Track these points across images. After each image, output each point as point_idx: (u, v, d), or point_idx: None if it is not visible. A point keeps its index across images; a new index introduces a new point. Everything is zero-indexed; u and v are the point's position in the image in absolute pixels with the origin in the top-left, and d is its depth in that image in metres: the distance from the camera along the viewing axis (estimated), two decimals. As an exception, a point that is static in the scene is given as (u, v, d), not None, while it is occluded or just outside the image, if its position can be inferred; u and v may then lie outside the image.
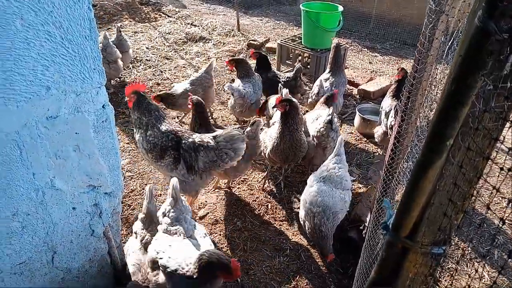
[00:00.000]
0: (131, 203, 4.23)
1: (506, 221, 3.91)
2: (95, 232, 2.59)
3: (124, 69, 6.98)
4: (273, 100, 4.64)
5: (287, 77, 5.61)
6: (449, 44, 1.65)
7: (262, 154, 4.24)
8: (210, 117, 5.30)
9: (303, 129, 4.27)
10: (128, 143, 5.21)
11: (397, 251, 0.97)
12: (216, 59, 7.85)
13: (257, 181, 4.55)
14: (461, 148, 0.84)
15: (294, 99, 4.07)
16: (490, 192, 3.96)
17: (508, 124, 0.83)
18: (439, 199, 0.90)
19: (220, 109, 6.20)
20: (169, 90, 5.66)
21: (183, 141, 3.49)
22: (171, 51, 8.18)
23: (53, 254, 2.44)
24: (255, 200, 4.24)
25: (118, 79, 6.80)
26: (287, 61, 7.04)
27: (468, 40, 0.80)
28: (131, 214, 4.09)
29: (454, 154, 0.86)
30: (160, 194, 4.35)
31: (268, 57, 6.06)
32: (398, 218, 0.94)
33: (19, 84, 1.84)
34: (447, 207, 0.89)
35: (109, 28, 8.88)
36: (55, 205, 2.29)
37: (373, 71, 7.60)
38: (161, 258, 2.60)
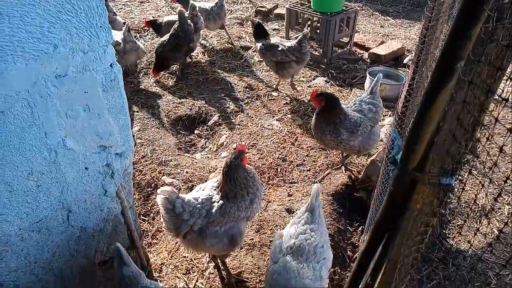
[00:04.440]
0: (142, 168, 4.30)
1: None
2: (108, 192, 2.65)
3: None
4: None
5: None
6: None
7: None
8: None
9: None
10: (137, 111, 5.24)
11: (405, 185, 0.98)
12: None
13: (266, 145, 4.56)
14: (473, 69, 0.82)
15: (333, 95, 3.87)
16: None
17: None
18: (448, 125, 0.89)
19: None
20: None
21: None
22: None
23: (68, 213, 2.52)
24: (265, 164, 4.28)
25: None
26: (296, 27, 6.89)
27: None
28: (143, 179, 4.16)
29: (465, 74, 0.84)
30: (171, 160, 4.40)
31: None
32: (407, 150, 0.94)
33: (27, 41, 1.84)
34: (457, 132, 0.88)
35: (115, -2, 8.75)
36: (68, 164, 2.33)
37: (385, 34, 7.42)
38: None
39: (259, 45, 5.48)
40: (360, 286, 1.31)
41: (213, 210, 2.76)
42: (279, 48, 5.24)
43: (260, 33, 5.56)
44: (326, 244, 2.71)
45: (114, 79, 2.26)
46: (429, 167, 0.95)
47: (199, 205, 2.75)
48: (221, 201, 2.79)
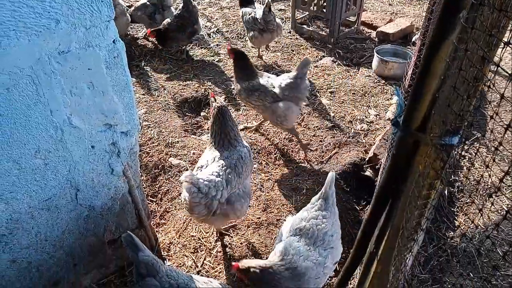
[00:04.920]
0: (149, 150, 4.32)
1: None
2: (115, 171, 2.67)
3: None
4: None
5: None
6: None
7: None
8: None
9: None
10: (143, 94, 5.24)
11: (408, 147, 0.96)
12: (229, 8, 7.64)
13: (273, 126, 4.54)
14: (476, 20, 0.79)
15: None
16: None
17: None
18: (451, 80, 0.86)
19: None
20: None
21: None
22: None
23: (76, 191, 2.54)
24: (271, 144, 4.27)
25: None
26: (302, 6, 6.77)
27: None
28: (150, 161, 4.18)
29: (467, 22, 0.81)
30: (177, 141, 4.41)
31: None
32: (409, 108, 0.91)
33: (28, 16, 1.83)
34: (460, 86, 0.85)
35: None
36: (74, 143, 2.35)
37: (393, 13, 7.26)
38: None
39: (241, 10, 5.78)
40: (365, 255, 1.31)
41: (231, 176, 2.84)
42: (249, 16, 5.53)
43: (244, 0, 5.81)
44: (336, 235, 2.69)
45: (118, 55, 2.25)
46: (432, 127, 0.92)
47: (218, 178, 2.79)
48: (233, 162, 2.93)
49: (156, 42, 5.96)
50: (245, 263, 2.48)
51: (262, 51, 6.21)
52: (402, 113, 0.93)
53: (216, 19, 7.22)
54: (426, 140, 0.92)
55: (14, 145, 2.09)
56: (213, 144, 3.04)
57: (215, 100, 3.08)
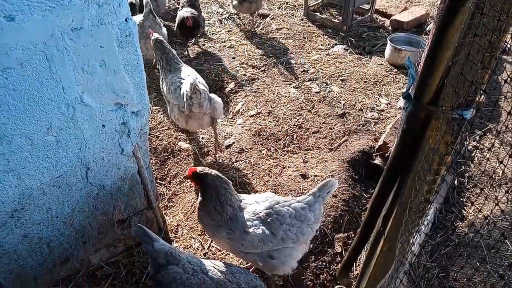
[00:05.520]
0: (159, 134, 4.34)
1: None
2: (125, 151, 2.69)
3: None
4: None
5: None
6: None
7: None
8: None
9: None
10: (154, 78, 5.25)
11: (419, 121, 0.94)
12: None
13: (283, 113, 4.53)
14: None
15: None
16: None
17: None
18: (465, 50, 0.84)
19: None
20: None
21: None
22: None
23: (87, 170, 2.57)
24: (280, 131, 4.26)
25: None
26: (315, -7, 6.69)
27: None
28: (159, 145, 4.21)
29: None
30: (187, 126, 4.42)
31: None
32: (421, 81, 0.89)
33: (42, -9, 1.83)
34: (474, 54, 0.83)
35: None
36: (85, 121, 2.37)
37: (408, 1, 7.13)
38: None
39: None
40: (372, 233, 1.30)
41: (203, 79, 3.78)
42: None
43: None
44: (289, 232, 2.45)
45: (129, 34, 2.25)
46: (444, 99, 0.90)
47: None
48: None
49: (181, 35, 5.70)
50: (203, 169, 2.56)
51: (274, 37, 6.16)
52: (414, 85, 0.91)
53: (228, 5, 7.16)
54: (438, 115, 0.90)
55: (27, 120, 2.11)
56: (168, 69, 3.74)
57: (153, 35, 3.85)
